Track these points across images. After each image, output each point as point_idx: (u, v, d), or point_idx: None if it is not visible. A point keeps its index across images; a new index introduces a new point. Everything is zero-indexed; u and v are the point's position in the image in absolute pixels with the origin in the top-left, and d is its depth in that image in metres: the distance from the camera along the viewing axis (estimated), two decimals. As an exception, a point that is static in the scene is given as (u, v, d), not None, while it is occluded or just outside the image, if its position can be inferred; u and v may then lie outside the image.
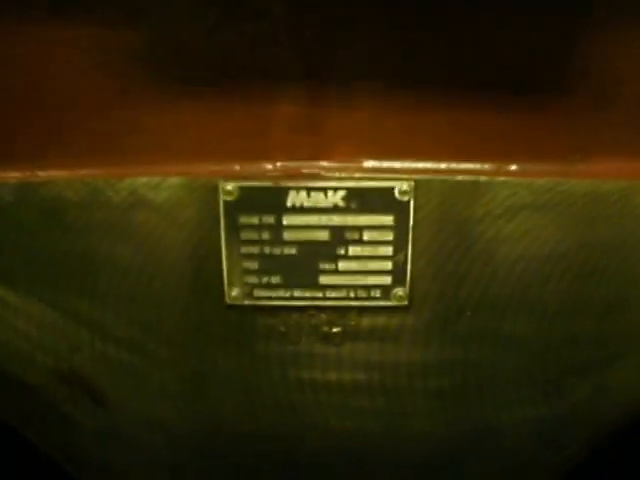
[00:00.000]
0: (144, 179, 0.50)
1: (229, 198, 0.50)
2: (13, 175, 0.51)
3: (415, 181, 0.49)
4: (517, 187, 0.50)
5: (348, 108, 0.49)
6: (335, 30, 0.46)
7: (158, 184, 0.50)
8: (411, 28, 0.46)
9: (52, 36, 0.47)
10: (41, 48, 0.47)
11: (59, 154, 0.51)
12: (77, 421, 0.59)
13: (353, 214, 0.50)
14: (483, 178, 0.50)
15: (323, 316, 0.54)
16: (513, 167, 0.50)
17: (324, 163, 0.50)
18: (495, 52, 0.47)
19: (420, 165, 0.50)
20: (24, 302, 0.54)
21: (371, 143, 0.50)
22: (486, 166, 0.50)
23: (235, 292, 0.53)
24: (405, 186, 0.49)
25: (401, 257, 0.51)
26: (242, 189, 0.50)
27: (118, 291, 0.53)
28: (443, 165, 0.50)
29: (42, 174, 0.51)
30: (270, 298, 0.53)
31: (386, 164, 0.50)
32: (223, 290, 0.52)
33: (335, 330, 0.54)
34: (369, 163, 0.50)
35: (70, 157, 0.51)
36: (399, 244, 0.51)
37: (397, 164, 0.50)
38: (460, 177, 0.50)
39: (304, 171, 0.50)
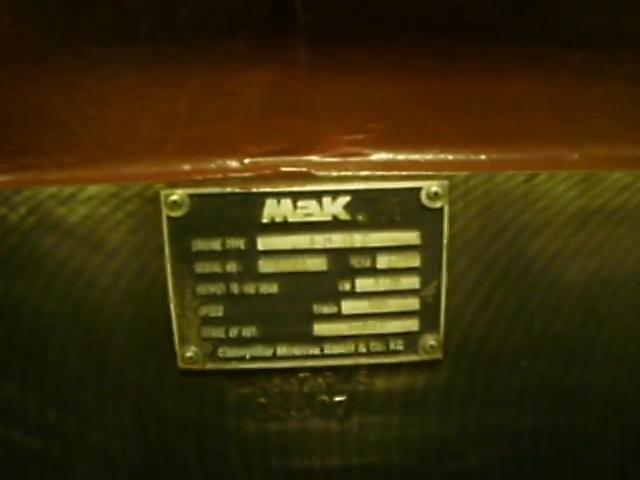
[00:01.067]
0: (52, 189, 0.35)
1: (176, 213, 0.34)
2: None
3: (449, 179, 0.34)
4: (584, 184, 0.35)
5: (347, 77, 0.33)
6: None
7: (73, 195, 0.35)
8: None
9: None
10: None
11: None
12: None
13: (361, 230, 0.34)
14: (540, 173, 0.35)
15: (320, 380, 0.38)
16: (575, 156, 0.35)
17: (314, 157, 0.34)
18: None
19: (452, 157, 0.35)
20: None
21: (382, 126, 0.35)
22: (542, 155, 0.35)
23: (191, 352, 0.36)
24: (435, 187, 0.34)
25: (432, 290, 0.36)
26: (194, 199, 0.34)
27: (22, 349, 0.37)
28: (484, 156, 0.35)
29: None
30: (242, 359, 0.36)
31: (405, 156, 0.35)
32: (174, 350, 0.36)
33: (338, 399, 0.38)
34: (380, 155, 0.35)
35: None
36: (429, 271, 0.35)
37: (421, 156, 0.35)
38: (509, 172, 0.35)
39: (285, 169, 0.34)
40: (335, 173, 0.34)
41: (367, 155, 0.35)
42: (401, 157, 0.35)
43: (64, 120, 0.34)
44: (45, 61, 0.33)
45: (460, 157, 0.35)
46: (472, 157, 0.35)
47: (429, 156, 0.35)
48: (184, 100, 0.33)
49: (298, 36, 0.33)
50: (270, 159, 0.34)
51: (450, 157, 0.35)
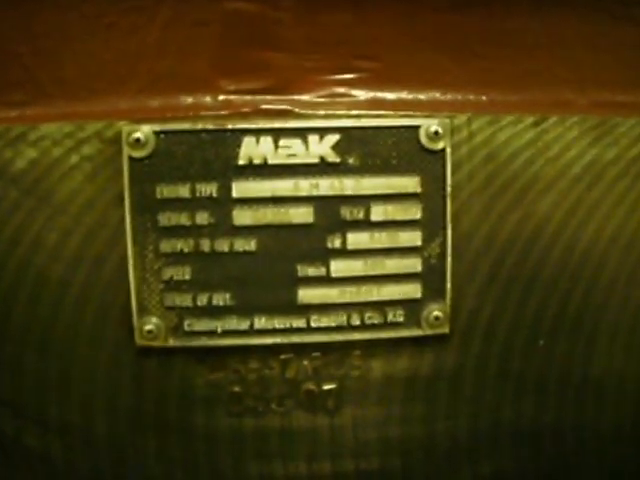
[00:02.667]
0: None
1: (139, 153, 0.29)
2: None
3: (450, 118, 0.30)
4: (598, 130, 0.32)
5: (336, 8, 0.31)
6: None
7: (21, 136, 0.30)
8: None
9: None
10: None
11: None
12: None
13: (353, 175, 0.30)
14: (550, 116, 0.31)
15: (305, 363, 0.32)
16: (584, 101, 0.32)
17: (298, 97, 0.30)
18: None
19: (452, 97, 0.31)
20: None
21: (374, 64, 0.31)
22: (549, 99, 0.32)
23: (151, 325, 0.30)
24: (436, 125, 0.30)
25: (435, 249, 0.31)
26: (161, 137, 0.29)
27: None
28: (485, 97, 0.32)
29: None
30: (212, 333, 0.31)
31: (398, 96, 0.31)
32: (131, 322, 0.30)
33: (327, 387, 0.32)
34: (372, 94, 0.31)
35: None
36: (431, 226, 0.31)
37: (416, 96, 0.31)
38: (516, 114, 0.31)
39: (265, 107, 0.30)
40: (322, 112, 0.30)
41: (357, 96, 0.31)
42: (395, 97, 0.31)
43: (16, 52, 0.30)
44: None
45: (460, 98, 0.31)
46: (473, 98, 0.31)
47: (425, 97, 0.31)
48: (153, 31, 0.30)
49: (281, -38, 0.30)
50: (248, 97, 0.30)
51: (449, 97, 0.31)
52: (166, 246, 0.30)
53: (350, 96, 0.31)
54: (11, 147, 0.30)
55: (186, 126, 0.29)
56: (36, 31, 0.30)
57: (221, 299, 0.30)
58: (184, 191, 0.29)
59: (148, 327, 0.30)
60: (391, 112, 0.31)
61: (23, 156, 0.30)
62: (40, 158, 0.30)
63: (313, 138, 0.29)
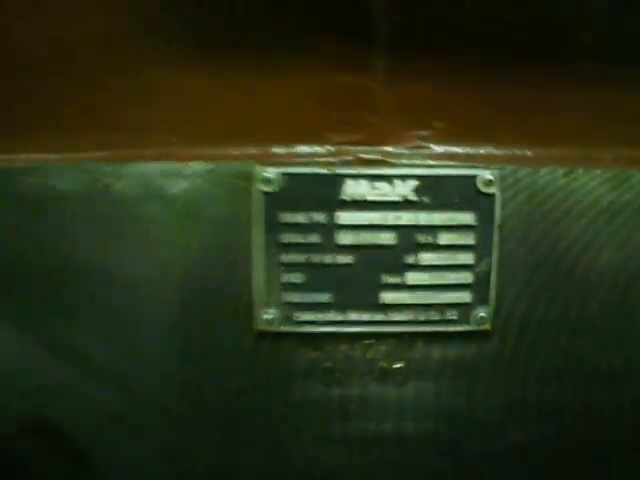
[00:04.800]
0: (156, 164, 0.39)
1: (268, 188, 0.39)
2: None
3: (500, 169, 0.40)
4: (615, 180, 0.41)
5: (417, 81, 0.40)
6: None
7: (175, 171, 0.39)
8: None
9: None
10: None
11: (43, 132, 0.39)
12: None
13: (426, 210, 0.40)
14: (577, 169, 0.41)
15: (382, 347, 0.42)
16: (607, 155, 0.41)
17: (388, 148, 0.40)
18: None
19: (503, 152, 0.41)
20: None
21: (445, 124, 0.41)
22: (579, 153, 0.41)
23: (269, 315, 0.40)
24: (489, 175, 0.40)
25: (484, 266, 0.41)
26: (285, 177, 0.39)
27: (109, 311, 0.41)
28: (529, 152, 0.41)
29: (22, 157, 0.39)
30: (315, 323, 0.41)
31: (463, 150, 0.41)
32: (252, 312, 0.40)
33: (396, 366, 0.42)
34: (443, 148, 0.41)
35: (60, 135, 0.39)
36: (482, 249, 0.40)
37: (476, 150, 0.41)
38: (551, 166, 0.41)
39: (363, 156, 0.40)
40: (405, 161, 0.40)
41: (432, 148, 0.41)
42: (460, 150, 0.41)
43: (172, 105, 0.40)
44: (162, 57, 0.39)
45: (509, 152, 0.41)
46: (519, 152, 0.41)
47: (483, 150, 0.41)
48: (275, 93, 0.39)
49: (378, 46, 0.39)
50: (350, 148, 0.40)
51: (500, 152, 0.41)
52: (285, 258, 0.40)
53: (427, 148, 0.41)
54: (167, 178, 0.39)
55: (305, 170, 0.39)
56: (186, 92, 0.39)
57: (323, 298, 0.41)
58: (301, 218, 0.39)
59: (266, 317, 0.41)
60: (456, 163, 0.40)
61: (175, 186, 0.39)
62: (190, 188, 0.40)
63: (398, 182, 0.39)
